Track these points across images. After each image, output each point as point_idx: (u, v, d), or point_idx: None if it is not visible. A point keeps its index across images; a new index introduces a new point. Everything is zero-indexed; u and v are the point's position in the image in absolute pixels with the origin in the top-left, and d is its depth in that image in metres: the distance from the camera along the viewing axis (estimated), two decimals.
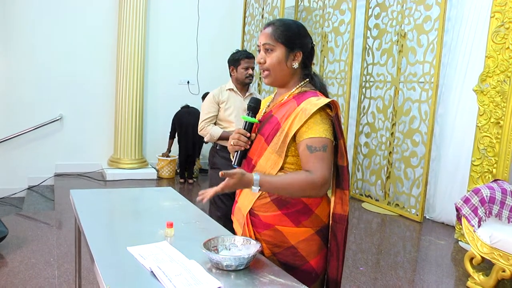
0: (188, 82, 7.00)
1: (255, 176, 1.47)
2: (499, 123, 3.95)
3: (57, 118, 6.28)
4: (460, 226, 3.89)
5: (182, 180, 6.46)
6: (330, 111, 1.54)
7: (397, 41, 5.23)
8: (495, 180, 3.59)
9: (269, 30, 1.61)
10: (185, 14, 6.91)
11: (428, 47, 4.83)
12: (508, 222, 3.30)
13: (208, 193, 1.52)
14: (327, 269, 1.64)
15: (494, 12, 3.99)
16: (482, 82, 4.08)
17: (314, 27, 6.15)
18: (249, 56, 3.32)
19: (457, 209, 3.40)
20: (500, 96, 3.94)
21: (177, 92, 6.79)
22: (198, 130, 3.32)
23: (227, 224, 3.10)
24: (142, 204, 2.36)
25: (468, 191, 3.76)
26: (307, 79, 1.65)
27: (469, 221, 3.31)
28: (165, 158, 6.54)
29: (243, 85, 3.37)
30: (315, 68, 5.35)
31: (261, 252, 1.59)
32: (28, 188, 6.01)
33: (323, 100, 1.52)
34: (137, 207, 2.34)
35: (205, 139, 3.31)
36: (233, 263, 1.41)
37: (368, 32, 5.65)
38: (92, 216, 2.00)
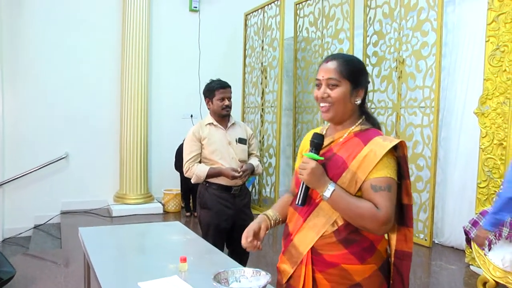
0: (191, 116, 7.07)
1: (332, 184, 1.50)
2: (502, 144, 3.97)
3: (63, 157, 6.33)
4: (470, 250, 3.86)
5: (188, 213, 6.44)
6: (395, 151, 1.54)
7: (396, 68, 5.30)
8: None
9: (333, 64, 1.60)
10: (187, 49, 7.04)
11: (427, 72, 4.90)
12: None
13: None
14: None
15: (488, 36, 4.07)
16: (482, 105, 4.12)
17: (314, 57, 6.26)
18: (224, 86, 3.13)
19: (466, 233, 3.38)
20: (501, 117, 3.97)
21: (181, 126, 6.84)
22: (184, 172, 3.11)
23: (215, 234, 2.99)
24: (150, 239, 2.36)
25: (476, 213, 3.74)
26: (364, 117, 1.66)
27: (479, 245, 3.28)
28: (169, 192, 6.55)
29: (221, 117, 3.16)
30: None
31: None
32: (34, 227, 6.00)
33: (391, 142, 1.52)
34: (145, 242, 2.34)
35: (192, 181, 3.09)
36: None
37: (367, 59, 5.74)
38: (102, 253, 2.01)
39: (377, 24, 5.56)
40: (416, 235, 5.09)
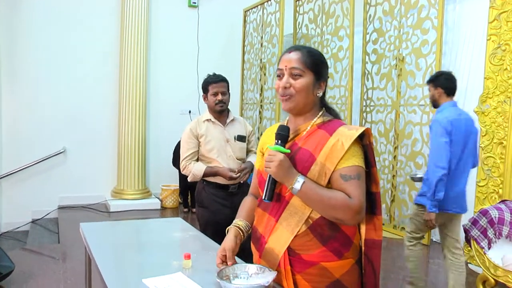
0: (189, 112, 7.04)
1: (301, 176, 1.46)
2: (502, 143, 3.97)
3: (61, 151, 6.29)
4: (469, 248, 3.86)
5: (186, 209, 6.43)
6: (361, 140, 1.53)
7: (396, 65, 5.29)
8: (503, 201, 3.57)
9: (297, 55, 1.56)
10: (185, 45, 7.01)
11: (426, 70, 4.89)
12: None
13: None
14: None
15: (490, 35, 4.06)
16: (483, 103, 4.12)
17: None
18: (217, 80, 2.96)
19: (466, 231, 3.38)
20: (501, 116, 3.97)
21: (179, 122, 6.81)
22: (181, 169, 3.03)
23: (214, 233, 2.72)
24: (152, 235, 2.34)
25: (475, 212, 3.74)
26: (324, 109, 1.64)
27: (478, 243, 3.28)
28: (167, 188, 6.53)
29: (218, 113, 3.00)
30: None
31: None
32: (32, 222, 5.97)
33: (357, 131, 1.50)
34: (147, 238, 2.32)
35: (188, 179, 2.98)
36: None
37: (367, 57, 5.73)
38: (104, 249, 1.99)
39: (377, 21, 5.55)
40: None
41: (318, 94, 1.59)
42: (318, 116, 1.60)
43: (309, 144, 1.53)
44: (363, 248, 1.58)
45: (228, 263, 1.61)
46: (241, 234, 1.71)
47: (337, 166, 1.47)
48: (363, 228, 1.58)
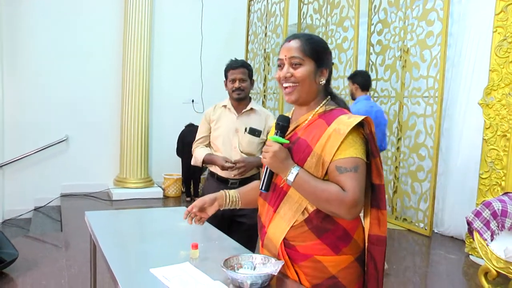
0: (192, 101, 7.02)
1: (296, 167, 1.43)
2: (505, 135, 3.95)
3: (63, 139, 6.28)
4: (471, 240, 3.87)
5: (188, 199, 6.43)
6: (363, 129, 1.46)
7: (400, 57, 5.26)
8: (506, 193, 3.57)
9: (296, 43, 1.52)
10: (189, 34, 6.96)
11: (431, 62, 4.86)
12: None
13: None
14: None
15: (496, 27, 4.03)
16: (487, 96, 4.10)
17: None
18: (236, 66, 2.75)
19: (468, 223, 3.38)
20: (505, 109, 3.96)
21: (182, 111, 6.81)
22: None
23: (215, 226, 2.41)
24: (157, 224, 2.34)
25: (477, 204, 3.74)
26: (329, 97, 1.59)
27: (481, 235, 3.28)
28: (170, 177, 6.54)
29: (237, 101, 2.78)
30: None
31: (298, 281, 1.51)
32: (34, 209, 5.98)
33: (356, 119, 1.43)
34: (152, 228, 2.32)
35: (192, 162, 2.86)
36: (249, 281, 1.40)
37: (371, 48, 5.69)
38: (110, 238, 1.99)
39: (382, 12, 5.51)
40: (416, 224, 5.11)
41: (320, 82, 1.54)
42: (321, 105, 1.55)
43: (307, 134, 1.50)
44: (366, 244, 1.52)
45: (192, 210, 1.78)
46: (224, 200, 1.78)
47: (334, 157, 1.42)
48: (367, 223, 1.52)
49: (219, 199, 1.78)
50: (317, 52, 1.52)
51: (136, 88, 6.38)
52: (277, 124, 1.52)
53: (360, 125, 1.44)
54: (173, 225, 2.25)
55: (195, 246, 1.70)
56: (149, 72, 6.57)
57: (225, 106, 2.81)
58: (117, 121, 6.58)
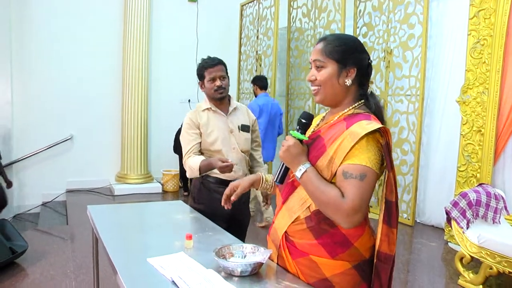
0: (189, 101, 7.06)
1: (306, 164, 1.36)
2: (480, 131, 4.02)
3: (68, 138, 6.32)
4: (450, 228, 3.94)
5: (185, 193, 6.46)
6: (381, 137, 1.34)
7: (384, 58, 5.31)
8: (480, 184, 3.64)
9: (320, 46, 1.45)
10: (185, 38, 6.99)
11: (413, 63, 4.92)
12: (493, 223, 3.35)
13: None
14: None
15: (470, 30, 4.09)
16: (464, 94, 4.16)
17: (306, 46, 6.25)
18: (213, 64, 2.47)
19: (447, 212, 3.45)
20: (480, 106, 4.02)
21: (179, 110, 6.82)
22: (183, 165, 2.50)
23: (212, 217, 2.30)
24: (155, 217, 2.38)
25: (456, 195, 3.81)
26: (362, 100, 1.45)
27: (458, 223, 3.35)
28: (168, 173, 6.58)
29: (218, 100, 2.51)
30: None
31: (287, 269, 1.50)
32: (42, 204, 6.02)
33: (373, 125, 1.31)
34: (150, 220, 2.36)
35: (187, 175, 2.45)
36: (239, 268, 1.43)
37: None
38: (110, 230, 2.03)
39: (366, 16, 5.56)
40: (400, 214, 5.18)
41: (346, 83, 1.41)
42: (350, 107, 1.44)
43: (327, 134, 1.41)
44: (374, 259, 1.42)
45: (232, 197, 1.72)
46: (261, 183, 1.73)
47: (343, 161, 1.32)
48: (378, 238, 1.40)
49: (256, 182, 1.73)
50: (339, 52, 1.41)
51: (136, 89, 6.41)
52: (299, 120, 1.45)
53: (380, 135, 1.34)
54: (170, 218, 2.29)
55: (189, 237, 1.74)
56: (148, 74, 6.60)
57: (209, 108, 2.52)
58: (118, 120, 6.61)
